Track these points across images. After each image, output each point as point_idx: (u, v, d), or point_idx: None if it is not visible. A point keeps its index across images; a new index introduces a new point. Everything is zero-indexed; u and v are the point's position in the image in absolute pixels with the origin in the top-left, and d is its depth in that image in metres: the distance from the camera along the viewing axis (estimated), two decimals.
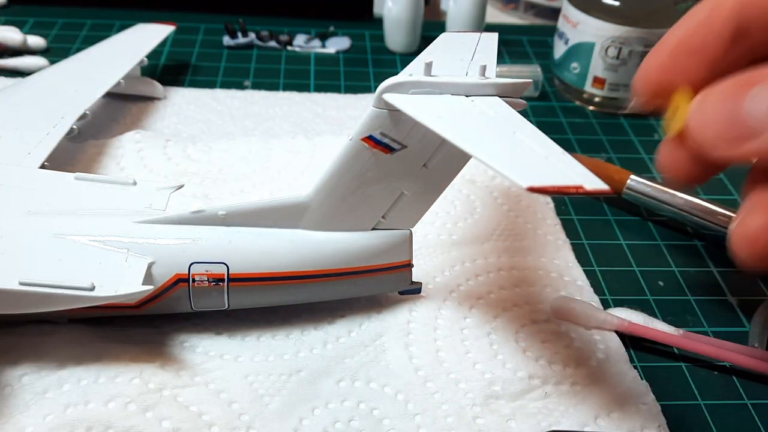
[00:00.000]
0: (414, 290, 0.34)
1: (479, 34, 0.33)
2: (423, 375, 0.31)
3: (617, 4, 0.52)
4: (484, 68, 0.28)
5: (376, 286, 0.33)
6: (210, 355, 0.32)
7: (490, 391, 0.31)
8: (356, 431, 0.29)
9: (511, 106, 0.27)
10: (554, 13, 0.61)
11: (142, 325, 0.33)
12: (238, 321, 0.33)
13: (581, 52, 0.54)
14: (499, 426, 0.30)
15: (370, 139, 0.29)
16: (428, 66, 0.27)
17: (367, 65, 0.61)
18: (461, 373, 0.32)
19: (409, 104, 0.26)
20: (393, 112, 0.28)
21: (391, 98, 0.27)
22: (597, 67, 0.54)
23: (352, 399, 0.30)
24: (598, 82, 0.55)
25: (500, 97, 0.27)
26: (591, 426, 0.30)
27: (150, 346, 0.32)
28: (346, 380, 0.31)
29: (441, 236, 0.40)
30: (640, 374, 0.33)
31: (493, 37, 0.33)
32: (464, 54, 0.30)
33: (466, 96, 0.27)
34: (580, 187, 0.21)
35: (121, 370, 0.30)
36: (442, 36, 0.33)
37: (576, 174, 0.22)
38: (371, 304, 0.35)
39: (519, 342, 0.33)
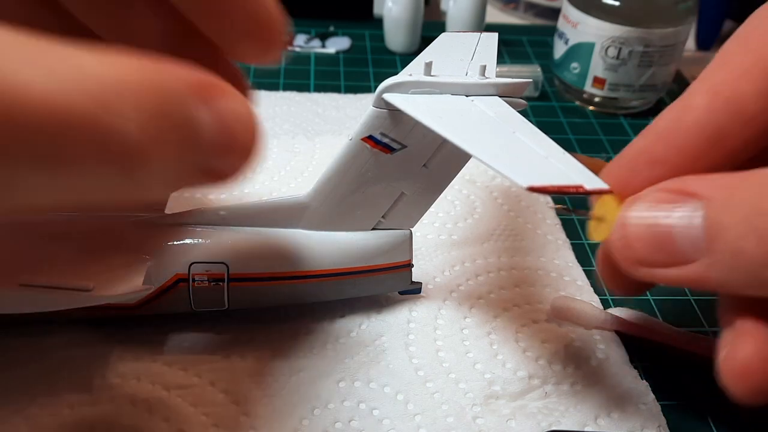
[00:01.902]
0: (414, 290, 0.34)
1: (479, 34, 0.33)
2: (423, 375, 0.31)
3: (617, 4, 0.52)
4: (484, 68, 0.28)
5: (376, 286, 0.33)
6: (212, 355, 0.32)
7: (490, 391, 0.31)
8: (356, 431, 0.29)
9: (511, 105, 0.27)
10: (554, 13, 0.61)
11: (143, 325, 0.33)
12: (238, 321, 0.33)
13: (581, 52, 0.54)
14: (499, 426, 0.30)
15: (370, 139, 0.29)
16: (428, 66, 0.27)
17: (367, 65, 0.61)
18: (461, 373, 0.32)
19: (409, 104, 0.26)
20: (393, 112, 0.28)
21: (391, 98, 0.27)
22: (597, 67, 0.54)
23: (352, 399, 0.30)
24: (598, 82, 0.55)
25: (500, 96, 0.27)
26: (591, 426, 0.30)
27: (151, 346, 0.32)
28: (346, 380, 0.31)
29: (441, 236, 0.40)
30: (640, 374, 0.33)
31: (493, 37, 0.33)
32: (464, 54, 0.30)
33: (466, 96, 0.27)
34: (581, 187, 0.21)
35: (122, 370, 0.30)
36: (442, 36, 0.33)
37: (576, 174, 0.22)
38: (371, 304, 0.35)
39: (519, 342, 0.33)
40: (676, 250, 0.23)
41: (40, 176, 0.16)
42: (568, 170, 0.22)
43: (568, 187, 0.21)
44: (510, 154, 0.23)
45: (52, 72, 0.16)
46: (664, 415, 0.31)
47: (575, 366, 0.33)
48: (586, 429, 0.30)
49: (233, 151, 0.23)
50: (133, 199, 0.19)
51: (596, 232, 0.25)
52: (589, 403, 0.31)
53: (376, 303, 0.35)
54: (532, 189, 0.21)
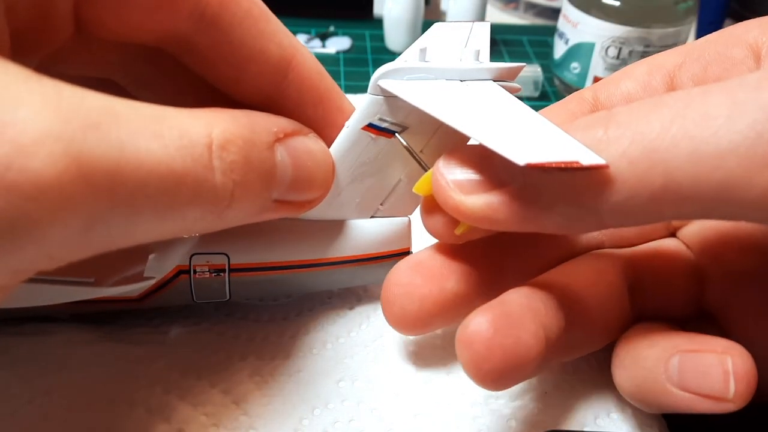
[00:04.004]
0: None
1: (472, 23, 0.33)
2: (423, 375, 0.31)
3: (617, 4, 0.52)
4: (477, 53, 0.28)
5: (376, 274, 0.33)
6: (212, 355, 0.32)
7: (490, 391, 0.31)
8: (356, 431, 0.29)
9: (506, 90, 0.27)
10: (554, 13, 0.61)
11: (143, 325, 0.33)
12: (239, 320, 0.33)
13: (581, 52, 0.54)
14: (499, 426, 0.30)
15: (370, 127, 0.29)
16: (423, 52, 0.27)
17: (367, 65, 0.61)
18: (461, 373, 0.31)
19: (404, 90, 0.27)
20: (389, 98, 0.28)
21: (387, 84, 0.27)
22: (597, 67, 0.54)
23: (352, 399, 0.30)
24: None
25: (495, 81, 0.28)
26: (591, 426, 0.30)
27: (152, 346, 0.32)
28: (346, 380, 0.31)
29: None
30: None
31: (486, 26, 0.33)
32: (458, 41, 0.31)
33: (461, 81, 0.27)
34: (577, 163, 0.21)
35: (124, 370, 0.30)
36: (435, 26, 0.33)
37: (573, 150, 0.22)
38: (371, 303, 0.35)
39: None
40: (492, 170, 0.24)
41: (154, 221, 0.20)
42: (565, 147, 0.22)
43: (565, 163, 0.21)
44: (506, 133, 0.23)
45: (160, 137, 0.20)
46: (663, 415, 0.31)
47: (575, 366, 0.33)
48: (585, 429, 0.30)
49: (307, 185, 0.27)
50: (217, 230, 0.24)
51: (419, 186, 0.27)
52: (589, 403, 0.31)
53: (376, 302, 0.35)
54: (530, 166, 0.21)
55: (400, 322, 0.29)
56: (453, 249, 0.30)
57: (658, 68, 0.30)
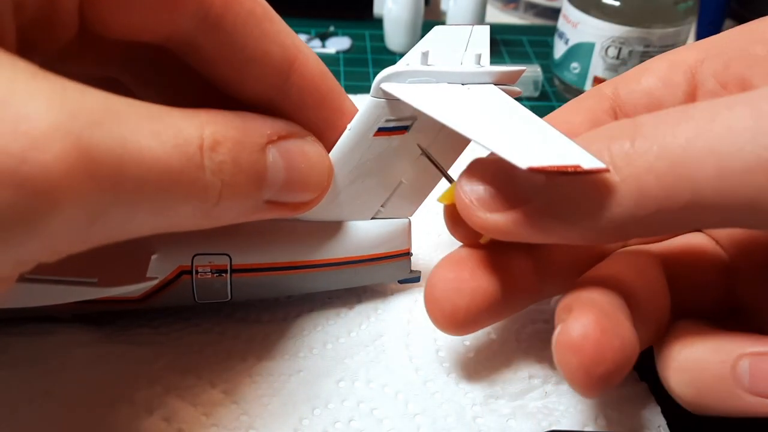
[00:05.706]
0: (413, 279, 0.34)
1: (471, 26, 0.33)
2: (423, 375, 0.31)
3: (617, 4, 0.52)
4: (479, 57, 0.28)
5: (376, 275, 0.34)
6: (212, 355, 0.32)
7: (490, 391, 0.31)
8: (356, 431, 0.29)
9: (507, 93, 0.27)
10: (554, 13, 0.61)
11: (143, 326, 0.33)
12: (239, 321, 0.33)
13: (581, 52, 0.55)
14: (499, 426, 0.30)
15: (381, 131, 0.29)
16: (425, 55, 0.28)
17: (367, 65, 0.61)
18: (461, 373, 0.32)
19: (407, 93, 0.27)
20: (391, 101, 0.28)
21: (390, 87, 0.27)
22: (597, 67, 0.54)
23: (352, 399, 0.30)
24: (599, 82, 0.55)
25: (495, 84, 0.28)
26: (591, 426, 0.30)
27: (151, 347, 0.32)
28: (346, 380, 0.31)
29: (441, 236, 0.40)
30: (639, 375, 0.33)
31: (485, 29, 0.33)
32: (458, 45, 0.31)
33: (462, 84, 0.27)
34: (578, 167, 0.21)
35: (122, 370, 0.30)
36: (435, 29, 0.33)
37: (574, 154, 0.22)
38: (371, 303, 0.35)
39: (519, 341, 0.33)
40: (514, 189, 0.24)
41: (149, 216, 0.21)
42: (566, 151, 0.22)
43: (567, 167, 0.21)
44: (508, 137, 0.24)
45: (158, 135, 0.20)
46: (663, 415, 0.31)
47: None
48: (586, 429, 0.30)
49: (301, 187, 0.27)
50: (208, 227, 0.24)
51: (443, 197, 0.27)
52: (589, 403, 0.31)
53: (376, 302, 0.35)
54: (532, 170, 0.21)
55: (450, 319, 0.28)
56: (489, 248, 0.29)
57: (679, 64, 0.30)
